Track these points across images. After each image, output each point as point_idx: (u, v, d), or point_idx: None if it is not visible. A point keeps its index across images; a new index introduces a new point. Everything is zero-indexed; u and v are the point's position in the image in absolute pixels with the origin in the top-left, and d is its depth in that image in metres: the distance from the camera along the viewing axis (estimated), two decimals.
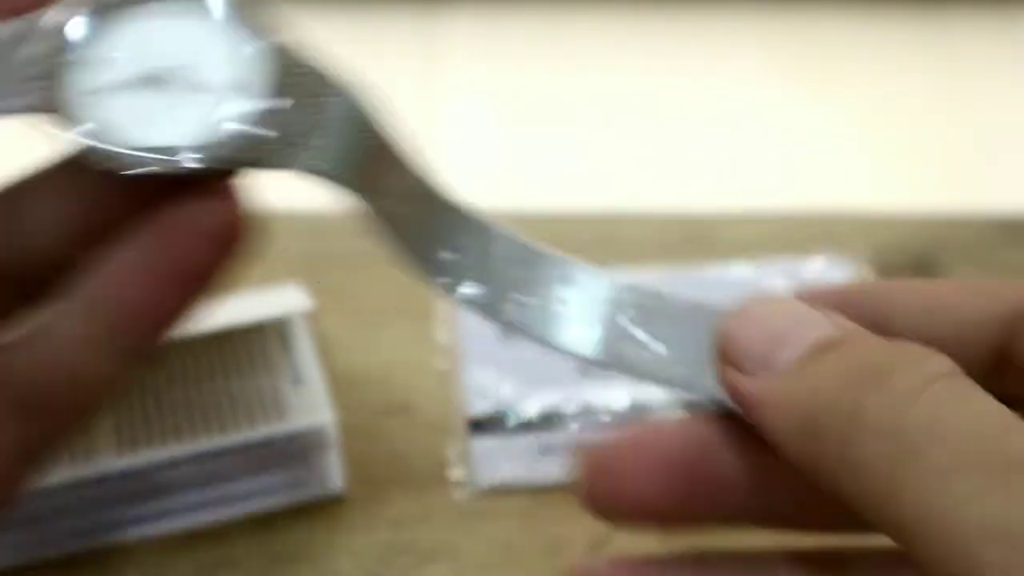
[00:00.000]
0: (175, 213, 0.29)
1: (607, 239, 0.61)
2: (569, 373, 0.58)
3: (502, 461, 0.55)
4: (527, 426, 0.56)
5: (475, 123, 0.73)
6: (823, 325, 0.26)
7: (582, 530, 0.54)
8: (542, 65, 0.76)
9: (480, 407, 0.56)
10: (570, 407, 0.57)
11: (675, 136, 0.73)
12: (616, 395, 0.57)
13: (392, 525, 0.53)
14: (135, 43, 0.30)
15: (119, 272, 0.29)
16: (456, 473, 0.55)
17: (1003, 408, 0.24)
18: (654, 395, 0.57)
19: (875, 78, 0.78)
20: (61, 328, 0.29)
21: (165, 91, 0.30)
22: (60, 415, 0.29)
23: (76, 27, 0.29)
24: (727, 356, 0.28)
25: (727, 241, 0.62)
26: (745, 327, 0.28)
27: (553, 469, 0.55)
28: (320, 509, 0.52)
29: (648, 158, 0.72)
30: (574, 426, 0.57)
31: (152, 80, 0.30)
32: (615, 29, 0.78)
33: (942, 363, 0.24)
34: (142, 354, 0.29)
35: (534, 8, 0.78)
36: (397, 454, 0.55)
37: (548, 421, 0.57)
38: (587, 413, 0.57)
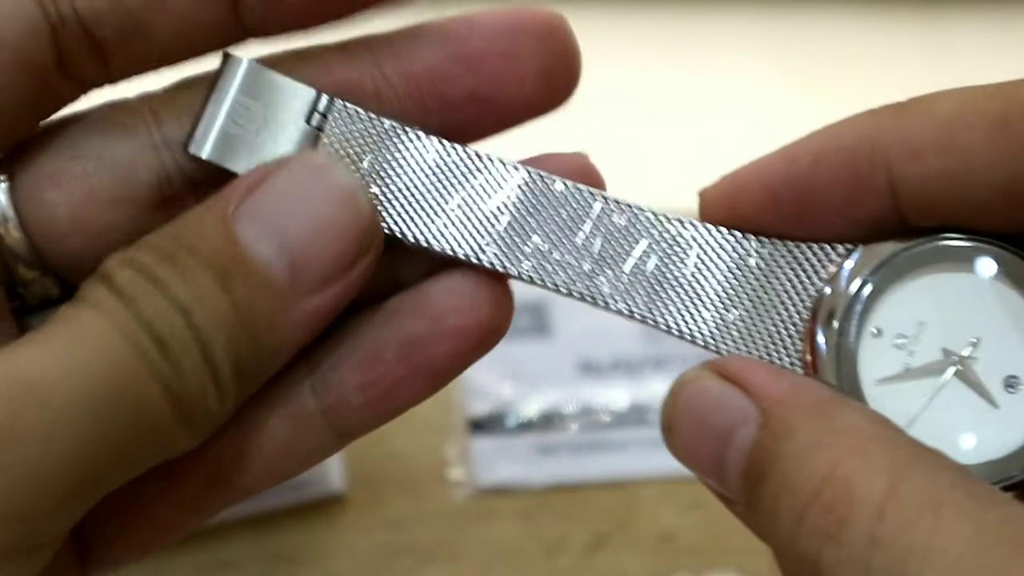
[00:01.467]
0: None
1: None
2: (569, 373, 0.58)
3: (502, 461, 0.55)
4: (527, 426, 0.56)
5: None
6: (741, 419, 0.26)
7: (582, 530, 0.54)
8: None
9: (480, 407, 0.56)
10: (570, 407, 0.57)
11: (675, 136, 0.73)
12: (616, 395, 0.57)
13: (392, 525, 0.53)
14: (912, 309, 0.28)
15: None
16: (456, 473, 0.55)
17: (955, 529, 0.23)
18: (654, 394, 0.57)
19: (875, 79, 0.78)
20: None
21: (968, 386, 0.27)
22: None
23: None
24: (687, 463, 0.28)
25: None
26: (679, 432, 0.28)
27: (553, 469, 0.55)
28: (320, 509, 0.52)
29: (648, 158, 0.72)
30: (574, 426, 0.57)
31: (947, 367, 0.27)
32: (614, 29, 0.78)
33: (879, 474, 0.24)
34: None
35: None
36: (397, 454, 0.55)
37: (548, 421, 0.57)
38: (587, 413, 0.57)
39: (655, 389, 0.57)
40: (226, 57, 0.28)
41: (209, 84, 0.28)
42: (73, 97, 0.29)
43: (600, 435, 0.56)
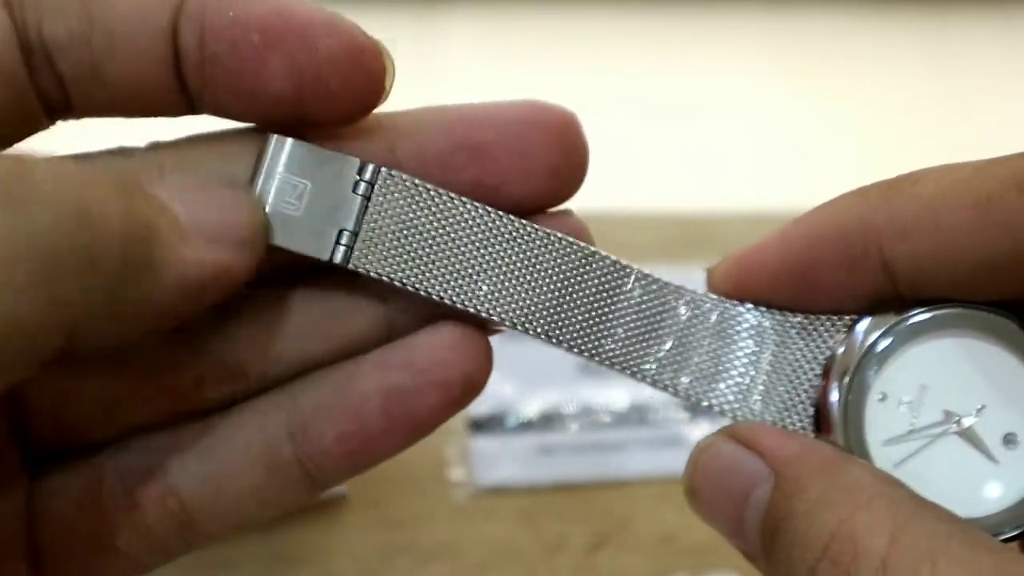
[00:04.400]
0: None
1: (606, 239, 0.61)
2: (569, 373, 0.58)
3: (502, 461, 0.55)
4: (527, 426, 0.56)
5: None
6: (756, 480, 0.28)
7: (582, 530, 0.54)
8: (541, 65, 0.76)
9: (480, 407, 0.56)
10: (570, 407, 0.57)
11: (675, 136, 0.73)
12: (616, 395, 0.57)
13: (392, 525, 0.53)
14: (914, 374, 0.30)
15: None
16: (456, 473, 0.55)
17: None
18: (654, 396, 0.57)
19: (875, 78, 0.78)
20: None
21: (966, 441, 0.29)
22: None
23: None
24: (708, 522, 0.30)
25: (726, 241, 0.62)
26: (701, 496, 0.29)
27: (553, 469, 0.55)
28: (320, 509, 0.52)
29: (648, 158, 0.72)
30: (574, 426, 0.57)
31: (949, 424, 0.29)
32: (614, 29, 0.78)
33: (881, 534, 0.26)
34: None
35: (532, 8, 0.78)
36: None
37: (548, 421, 0.57)
38: (587, 413, 0.57)
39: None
40: (269, 137, 0.29)
41: (254, 165, 0.29)
42: (47, 122, 0.29)
43: (600, 435, 0.56)
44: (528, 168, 0.30)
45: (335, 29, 0.28)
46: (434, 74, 0.74)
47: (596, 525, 0.54)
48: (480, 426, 0.56)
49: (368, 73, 0.28)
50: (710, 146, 0.73)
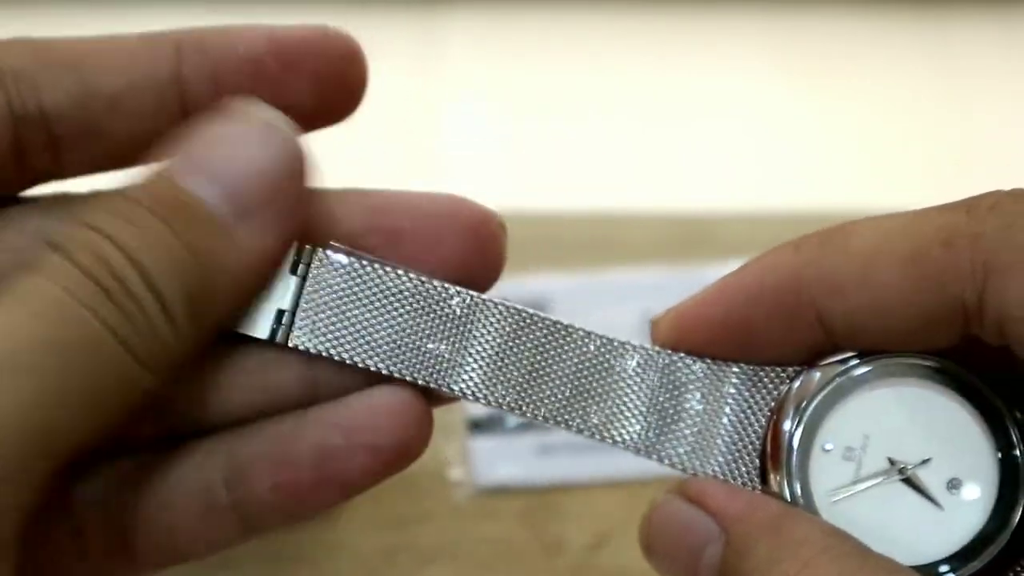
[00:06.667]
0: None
1: (607, 239, 0.61)
2: None
3: (502, 461, 0.55)
4: (527, 426, 0.56)
5: (475, 123, 0.73)
6: (707, 538, 0.29)
7: (582, 530, 0.54)
8: (541, 65, 0.76)
9: (480, 407, 0.56)
10: None
11: (675, 136, 0.73)
12: None
13: (392, 525, 0.53)
14: (856, 423, 0.30)
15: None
16: (456, 473, 0.55)
17: None
18: None
19: (875, 79, 0.78)
20: None
21: (909, 490, 0.29)
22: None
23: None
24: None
25: (726, 241, 0.62)
26: (657, 553, 0.31)
27: (553, 469, 0.55)
28: None
29: (648, 158, 0.72)
30: None
31: (893, 472, 0.30)
32: (614, 29, 0.78)
33: None
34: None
35: (534, 8, 0.79)
36: None
37: None
38: None
39: None
40: None
41: None
42: (23, 186, 0.29)
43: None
44: (440, 259, 0.30)
45: (329, 33, 0.29)
46: (434, 74, 0.74)
47: (596, 525, 0.54)
48: (480, 426, 0.56)
49: (362, 62, 0.30)
50: (710, 146, 0.73)
